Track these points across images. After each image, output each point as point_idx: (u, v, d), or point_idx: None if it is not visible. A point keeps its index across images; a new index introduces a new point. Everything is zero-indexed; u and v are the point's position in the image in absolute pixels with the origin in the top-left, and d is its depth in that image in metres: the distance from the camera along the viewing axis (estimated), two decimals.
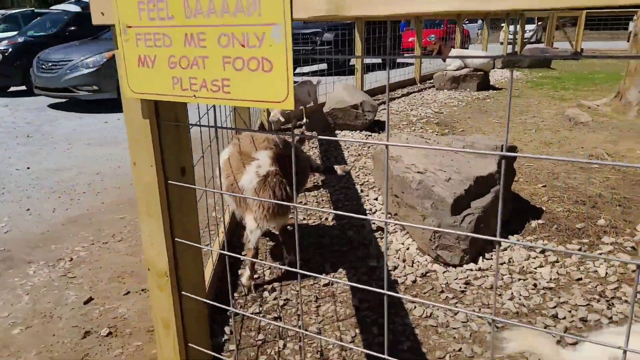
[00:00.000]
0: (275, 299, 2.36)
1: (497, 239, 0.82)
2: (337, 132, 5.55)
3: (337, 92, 5.62)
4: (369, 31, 8.91)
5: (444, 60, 8.62)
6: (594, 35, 24.77)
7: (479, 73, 8.35)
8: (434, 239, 2.47)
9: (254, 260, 2.19)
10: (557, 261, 2.50)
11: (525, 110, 6.51)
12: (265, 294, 2.41)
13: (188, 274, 1.37)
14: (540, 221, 3.01)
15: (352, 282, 2.46)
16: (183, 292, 1.35)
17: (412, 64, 13.24)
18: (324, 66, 11.28)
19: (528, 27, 20.29)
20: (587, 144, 4.69)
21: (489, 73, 8.70)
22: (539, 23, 22.48)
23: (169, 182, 1.27)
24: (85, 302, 2.39)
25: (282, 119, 5.25)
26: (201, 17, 1.01)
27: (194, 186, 1.33)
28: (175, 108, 1.26)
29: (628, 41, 22.46)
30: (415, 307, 2.19)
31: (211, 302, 1.53)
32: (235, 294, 2.41)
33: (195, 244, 1.36)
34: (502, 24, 22.33)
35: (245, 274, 2.46)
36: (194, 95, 1.07)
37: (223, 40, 1.00)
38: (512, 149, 3.24)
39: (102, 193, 3.96)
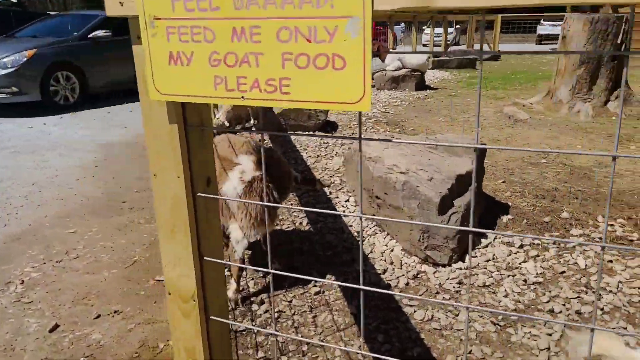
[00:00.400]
0: (266, 311, 2.23)
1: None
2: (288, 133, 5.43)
3: None
4: None
5: (383, 61, 8.77)
6: (507, 37, 26.42)
7: (416, 73, 8.58)
8: (423, 240, 2.45)
9: (247, 267, 2.05)
10: (537, 255, 2.57)
11: (466, 109, 6.76)
12: (254, 307, 2.27)
13: (215, 295, 1.22)
14: (509, 216, 3.10)
15: (343, 287, 2.38)
16: (212, 317, 1.20)
17: None
18: None
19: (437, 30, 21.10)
20: (532, 140, 4.93)
21: (424, 73, 8.97)
22: (457, 27, 23.65)
23: (198, 194, 1.12)
24: (51, 330, 2.12)
25: (227, 124, 5.06)
26: (255, 9, 0.89)
27: (226, 198, 1.19)
28: (200, 110, 1.12)
29: (536, 43, 24.16)
30: (415, 311, 2.15)
31: (234, 323, 1.39)
32: None
33: (223, 261, 1.22)
34: (424, 27, 23.26)
35: (231, 287, 2.31)
36: (242, 97, 0.94)
37: (283, 35, 0.88)
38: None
39: (42, 206, 3.58)
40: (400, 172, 2.60)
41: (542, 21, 23.66)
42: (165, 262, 1.19)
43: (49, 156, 4.89)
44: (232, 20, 0.91)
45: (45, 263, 2.73)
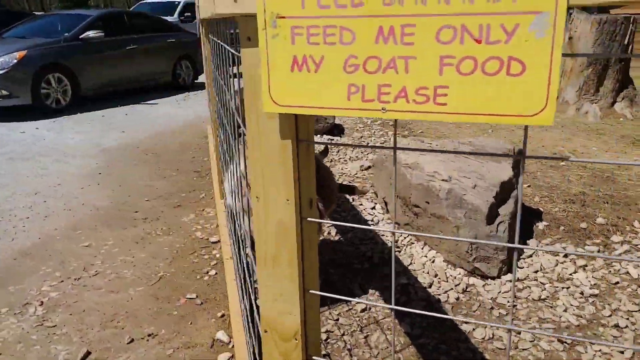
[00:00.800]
0: None
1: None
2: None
3: None
4: None
5: None
6: None
7: None
8: (471, 251, 2.33)
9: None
10: (586, 265, 2.48)
11: None
12: None
13: (313, 331, 1.07)
14: (544, 223, 3.00)
15: (389, 304, 2.24)
16: (314, 357, 1.06)
17: None
18: None
19: None
20: (547, 142, 4.87)
21: None
22: None
23: (305, 219, 0.97)
24: (83, 358, 1.94)
25: None
26: (410, 5, 0.75)
27: (337, 222, 1.05)
28: (308, 122, 0.97)
29: None
30: (474, 329, 2.03)
31: None
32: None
33: (330, 295, 1.07)
34: None
35: None
36: (383, 108, 0.80)
37: (445, 35, 0.74)
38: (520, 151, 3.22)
39: (50, 217, 3.37)
40: (443, 180, 2.48)
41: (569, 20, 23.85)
42: (263, 296, 1.04)
43: (47, 163, 4.65)
44: (378, 18, 0.77)
45: (63, 281, 2.54)
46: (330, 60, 0.81)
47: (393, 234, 0.80)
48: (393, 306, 0.86)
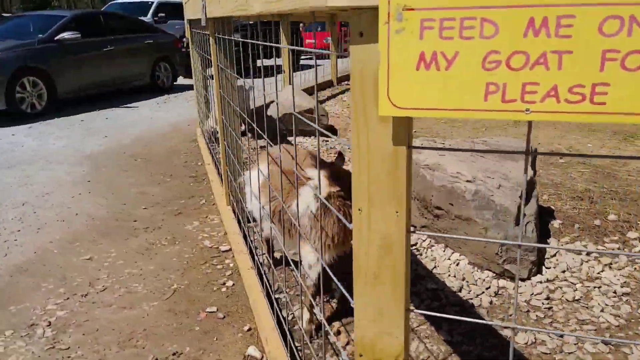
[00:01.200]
0: (348, 343, 1.99)
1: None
2: (289, 139, 5.18)
3: (287, 95, 5.25)
4: (265, 32, 8.47)
5: None
6: None
7: None
8: (501, 253, 2.28)
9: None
10: (611, 264, 2.46)
11: None
12: (332, 338, 2.02)
13: (407, 353, 0.98)
14: (559, 221, 2.99)
15: (422, 309, 2.17)
16: None
17: (312, 67, 13.18)
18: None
19: None
20: (542, 139, 4.90)
21: None
22: None
23: (410, 232, 0.88)
24: None
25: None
26: None
27: (438, 234, 0.96)
28: (409, 125, 0.88)
29: None
30: (515, 334, 1.97)
31: None
32: (296, 343, 1.98)
33: (431, 313, 0.98)
34: None
35: (304, 317, 2.05)
36: (527, 109, 0.72)
37: (609, 27, 0.67)
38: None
39: (43, 229, 3.17)
40: (467, 181, 2.42)
41: None
42: (360, 316, 0.94)
43: (31, 171, 4.41)
44: (530, 8, 0.68)
45: (68, 298, 2.37)
46: (466, 56, 0.72)
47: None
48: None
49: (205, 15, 2.58)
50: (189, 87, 9.94)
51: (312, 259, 1.99)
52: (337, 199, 1.98)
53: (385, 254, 0.88)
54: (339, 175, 2.03)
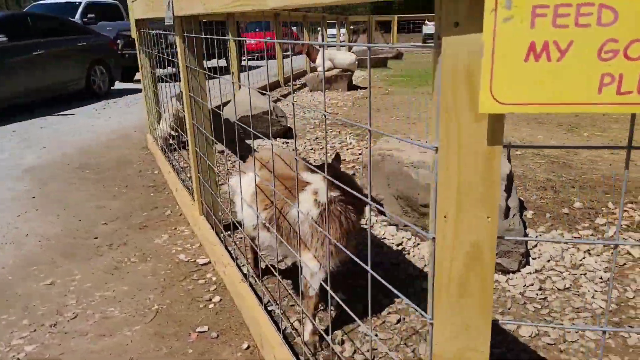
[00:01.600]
0: (354, 352, 1.91)
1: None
2: (247, 142, 5.02)
3: (244, 96, 5.09)
4: (210, 32, 8.31)
5: (314, 61, 8.61)
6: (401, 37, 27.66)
7: (347, 73, 8.54)
8: None
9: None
10: (589, 250, 2.55)
11: (417, 107, 6.80)
12: (336, 347, 1.94)
13: None
14: (531, 212, 3.07)
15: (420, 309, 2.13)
16: None
17: (255, 67, 13.02)
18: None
19: (331, 31, 21.21)
20: None
21: (354, 73, 8.97)
22: (352, 27, 24.27)
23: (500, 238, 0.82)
24: None
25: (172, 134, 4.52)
26: None
27: (531, 238, 0.90)
28: (503, 122, 0.82)
29: (422, 42, 25.70)
30: (518, 328, 1.98)
31: None
32: (301, 357, 1.88)
33: (511, 322, 0.92)
34: (319, 28, 23.54)
35: (307, 328, 1.95)
36: None
37: None
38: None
39: None
40: None
41: (426, 21, 25.16)
42: (439, 331, 0.87)
43: None
44: None
45: (36, 330, 2.12)
46: (581, 45, 0.67)
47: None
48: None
49: (173, 14, 2.40)
50: (128, 92, 9.46)
51: (314, 267, 1.89)
52: (338, 204, 1.90)
53: (473, 263, 0.81)
54: (338, 178, 1.95)
